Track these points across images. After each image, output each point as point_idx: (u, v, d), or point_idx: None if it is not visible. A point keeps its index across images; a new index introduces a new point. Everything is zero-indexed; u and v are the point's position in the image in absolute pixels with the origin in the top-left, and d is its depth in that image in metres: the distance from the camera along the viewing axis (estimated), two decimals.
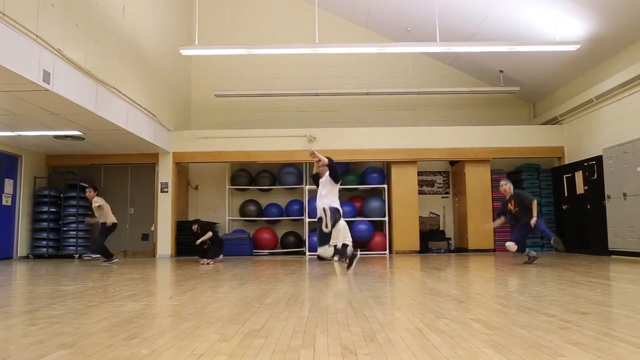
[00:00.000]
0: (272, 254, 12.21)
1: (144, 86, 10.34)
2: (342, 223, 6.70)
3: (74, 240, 11.63)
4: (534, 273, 6.26)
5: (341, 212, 6.86)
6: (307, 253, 11.49)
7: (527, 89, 12.58)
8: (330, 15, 13.14)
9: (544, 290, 4.49)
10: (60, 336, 2.78)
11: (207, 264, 9.01)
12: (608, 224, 9.46)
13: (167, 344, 2.56)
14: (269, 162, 12.17)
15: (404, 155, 11.88)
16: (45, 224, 11.46)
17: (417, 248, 11.66)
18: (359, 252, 6.78)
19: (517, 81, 12.31)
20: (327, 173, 6.88)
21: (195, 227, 9.91)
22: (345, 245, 6.56)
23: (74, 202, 11.62)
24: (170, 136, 11.87)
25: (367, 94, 12.73)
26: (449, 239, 12.49)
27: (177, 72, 12.52)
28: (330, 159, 6.90)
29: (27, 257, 11.34)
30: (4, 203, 10.77)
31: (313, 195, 7.73)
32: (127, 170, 12.49)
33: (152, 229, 12.15)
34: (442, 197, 13.17)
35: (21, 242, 11.21)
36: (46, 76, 6.64)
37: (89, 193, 9.65)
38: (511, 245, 7.94)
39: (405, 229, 11.66)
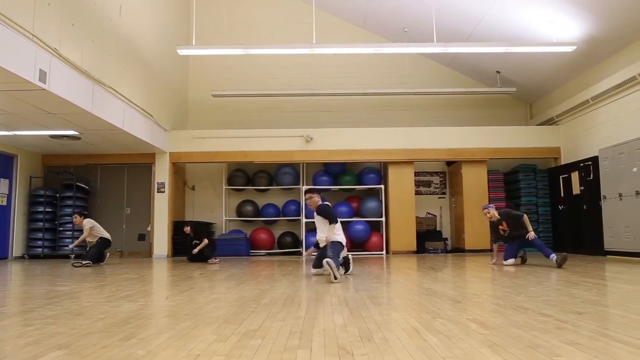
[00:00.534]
0: (269, 254, 12.20)
1: (141, 86, 10.32)
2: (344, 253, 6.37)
3: (70, 240, 11.58)
4: (530, 273, 6.27)
5: (344, 243, 6.42)
6: (304, 253, 11.48)
7: (524, 90, 12.61)
8: (327, 16, 13.14)
9: (540, 290, 4.50)
10: (55, 337, 2.77)
11: (215, 263, 9.14)
12: (604, 224, 9.50)
13: (163, 345, 2.55)
14: (266, 162, 12.17)
15: (401, 155, 11.89)
16: (40, 224, 11.43)
17: (414, 248, 11.67)
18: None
19: (513, 82, 12.34)
20: (318, 210, 6.47)
21: (187, 228, 9.88)
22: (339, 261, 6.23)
23: (69, 202, 11.59)
24: (167, 136, 11.85)
25: (364, 94, 12.73)
26: (446, 239, 12.50)
27: (174, 72, 12.51)
28: (323, 205, 6.50)
29: (22, 257, 11.30)
30: None
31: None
32: (123, 170, 12.46)
33: (149, 229, 12.12)
34: (439, 198, 13.19)
35: (16, 242, 11.17)
36: (42, 75, 6.62)
37: (76, 219, 9.41)
38: (511, 262, 7.68)
39: (402, 229, 11.67)
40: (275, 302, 3.97)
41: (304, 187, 11.99)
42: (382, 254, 11.60)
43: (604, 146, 9.67)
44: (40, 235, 11.43)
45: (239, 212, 12.56)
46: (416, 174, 12.50)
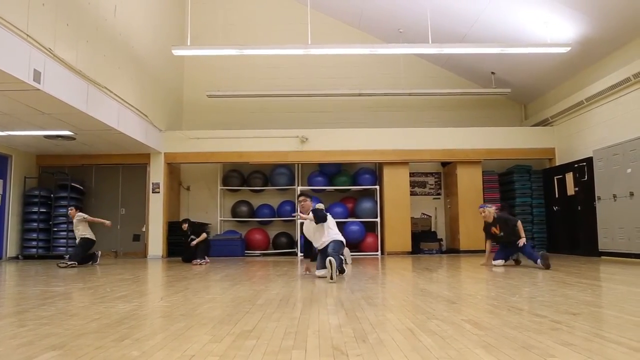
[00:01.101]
0: (263, 254, 12.19)
1: (136, 86, 10.30)
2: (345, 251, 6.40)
3: (64, 241, 11.54)
4: (524, 274, 6.29)
5: (344, 243, 6.49)
6: (299, 254, 11.47)
7: (519, 91, 12.65)
8: (322, 17, 13.15)
9: (535, 291, 4.51)
10: (50, 337, 2.76)
11: (201, 264, 9.02)
12: (598, 225, 9.54)
13: (158, 345, 2.55)
14: (261, 162, 12.16)
15: (395, 156, 11.91)
16: (35, 224, 11.38)
17: (409, 249, 11.68)
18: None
19: (508, 83, 12.38)
20: (313, 219, 6.43)
21: (185, 226, 9.91)
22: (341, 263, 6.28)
23: (64, 203, 11.54)
24: (161, 136, 11.83)
25: (359, 95, 12.74)
26: (441, 240, 12.52)
27: (169, 72, 12.48)
28: (314, 211, 6.47)
29: (16, 257, 11.25)
30: None
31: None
32: (118, 171, 12.42)
33: (144, 229, 12.09)
34: (434, 198, 13.21)
35: (10, 243, 11.12)
36: (37, 76, 6.60)
37: (71, 211, 9.49)
38: (500, 262, 7.77)
39: (397, 230, 11.69)
40: (270, 303, 3.97)
41: (299, 188, 12.00)
42: (377, 255, 11.61)
43: (599, 147, 9.71)
44: (34, 235, 11.38)
45: (234, 212, 12.55)
46: (411, 174, 12.52)
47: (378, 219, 11.91)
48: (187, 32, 10.19)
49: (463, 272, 6.74)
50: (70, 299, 4.39)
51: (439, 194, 13.23)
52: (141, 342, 2.62)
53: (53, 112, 7.92)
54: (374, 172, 12.50)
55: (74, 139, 10.02)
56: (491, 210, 8.03)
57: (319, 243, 6.43)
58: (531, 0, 8.90)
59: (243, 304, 3.96)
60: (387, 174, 11.94)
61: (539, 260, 7.12)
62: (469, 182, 11.85)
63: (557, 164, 11.64)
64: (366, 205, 11.93)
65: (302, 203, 6.63)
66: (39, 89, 6.70)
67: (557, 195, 11.28)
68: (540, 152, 11.97)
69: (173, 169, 12.54)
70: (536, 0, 8.82)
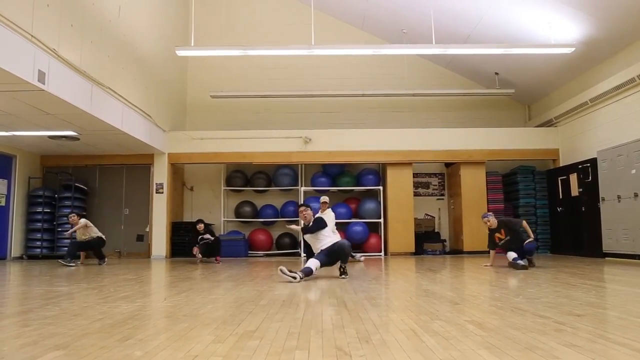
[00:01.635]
0: (267, 255, 12.20)
1: (140, 87, 10.32)
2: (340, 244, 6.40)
3: (68, 241, 11.55)
4: (528, 275, 6.27)
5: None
6: (302, 254, 11.47)
7: (523, 91, 12.62)
8: (326, 17, 13.15)
9: (539, 292, 4.50)
10: (54, 337, 2.77)
11: (218, 262, 9.49)
12: (602, 226, 9.51)
13: (161, 345, 2.55)
14: (264, 163, 12.17)
15: (399, 157, 11.90)
16: (39, 224, 11.41)
17: (412, 250, 11.67)
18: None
19: (512, 83, 12.35)
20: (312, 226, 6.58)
21: (201, 226, 9.94)
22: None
23: (68, 203, 11.57)
24: (165, 137, 11.85)
25: (362, 95, 12.74)
26: (444, 240, 12.49)
27: (172, 73, 12.50)
28: (314, 220, 6.62)
29: (20, 257, 11.29)
30: None
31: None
32: (122, 171, 12.45)
33: (147, 229, 12.12)
34: (438, 199, 13.19)
35: (15, 243, 11.16)
36: (41, 76, 6.62)
37: (72, 218, 9.61)
38: (512, 254, 7.59)
39: (400, 231, 11.67)
40: (273, 303, 3.97)
41: (303, 189, 11.99)
42: (380, 255, 11.60)
43: (603, 148, 9.68)
44: (38, 235, 11.41)
45: (238, 213, 12.56)
46: (415, 175, 12.50)
47: (381, 220, 11.90)
48: (191, 33, 10.19)
49: (466, 273, 6.73)
50: (74, 299, 4.40)
51: (442, 195, 13.21)
52: (144, 342, 2.63)
53: (57, 112, 7.95)
54: (378, 172, 12.49)
55: (78, 139, 10.04)
56: (494, 218, 8.02)
57: (320, 247, 6.41)
58: (535, 1, 8.88)
59: (246, 304, 3.96)
60: (391, 174, 11.92)
61: (519, 261, 7.27)
62: (473, 182, 11.83)
63: (561, 165, 11.60)
64: (369, 205, 11.92)
65: (304, 213, 6.65)
66: (43, 90, 6.73)
67: (561, 196, 11.25)
68: (544, 153, 11.94)
69: (177, 170, 12.56)
70: (540, 1, 8.80)
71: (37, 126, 8.87)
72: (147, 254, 11.94)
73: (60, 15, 7.19)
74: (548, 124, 12.08)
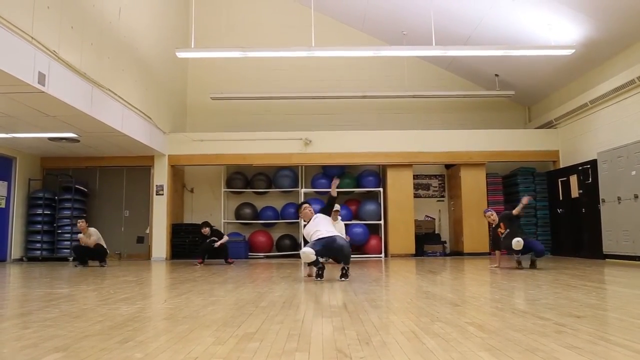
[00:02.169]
0: (267, 257, 12.19)
1: (140, 88, 10.32)
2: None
3: (69, 243, 11.56)
4: (528, 277, 6.27)
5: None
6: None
7: (523, 93, 12.63)
8: (326, 19, 13.15)
9: (539, 294, 4.50)
10: (54, 339, 2.76)
11: (231, 263, 9.71)
12: (602, 227, 9.50)
13: (161, 347, 2.55)
14: (264, 165, 12.17)
15: (399, 158, 11.90)
16: (39, 226, 11.41)
17: (413, 251, 11.66)
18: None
19: (512, 85, 12.36)
20: (317, 212, 6.61)
21: (206, 230, 9.93)
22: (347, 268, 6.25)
23: (68, 205, 11.57)
24: (165, 139, 11.85)
25: (363, 97, 12.74)
26: (445, 242, 12.49)
27: (173, 74, 12.51)
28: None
29: (20, 259, 11.28)
30: None
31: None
32: (122, 173, 12.45)
33: (147, 231, 12.11)
34: (438, 201, 13.19)
35: (15, 245, 11.15)
36: (41, 78, 6.62)
37: (81, 224, 9.63)
38: (516, 242, 7.37)
39: (400, 232, 11.67)
40: (273, 305, 3.97)
41: (303, 190, 11.99)
42: (380, 257, 11.59)
43: (603, 149, 9.68)
44: (38, 237, 11.40)
45: (238, 214, 12.56)
46: (415, 177, 12.50)
47: (382, 221, 11.89)
48: (191, 34, 10.20)
49: (467, 275, 6.73)
50: (74, 301, 4.40)
51: (442, 197, 13.21)
52: (145, 344, 2.62)
53: (57, 114, 7.95)
54: (378, 174, 12.49)
55: (78, 141, 10.05)
56: (495, 213, 8.09)
57: (321, 234, 6.27)
58: (535, 2, 8.89)
59: (246, 306, 3.96)
60: (391, 176, 11.93)
61: (531, 256, 7.46)
62: (473, 184, 11.83)
63: (561, 167, 11.60)
64: (370, 207, 11.92)
65: (305, 210, 6.65)
66: (43, 92, 6.73)
67: (561, 198, 11.24)
68: (544, 155, 11.94)
69: (177, 171, 12.56)
70: (540, 2, 8.80)
71: (37, 128, 8.88)
72: (147, 255, 11.94)
73: (60, 17, 7.20)
74: (548, 125, 12.09)
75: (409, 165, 11.97)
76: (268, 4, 13.67)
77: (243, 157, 11.94)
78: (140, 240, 12.26)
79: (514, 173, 12.21)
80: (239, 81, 13.29)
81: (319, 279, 6.06)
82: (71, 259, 11.37)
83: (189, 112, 13.61)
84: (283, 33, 13.15)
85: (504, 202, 11.98)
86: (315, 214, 6.63)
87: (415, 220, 12.05)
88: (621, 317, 3.29)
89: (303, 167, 12.56)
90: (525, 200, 7.68)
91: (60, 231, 11.62)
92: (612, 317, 3.32)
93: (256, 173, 12.69)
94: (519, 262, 7.74)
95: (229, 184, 12.67)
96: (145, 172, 12.18)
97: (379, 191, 12.16)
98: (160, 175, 11.90)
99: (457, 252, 12.13)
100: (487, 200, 11.75)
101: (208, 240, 9.87)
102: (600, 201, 9.58)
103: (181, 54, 9.13)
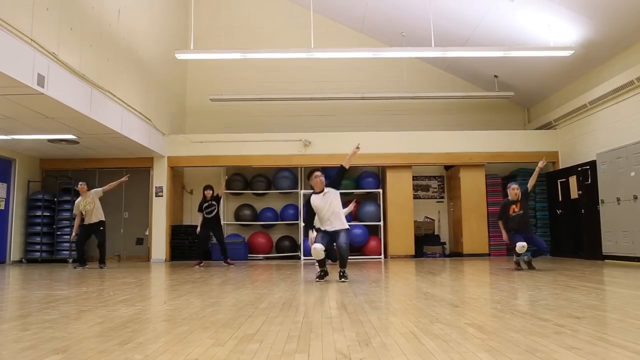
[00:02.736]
0: (267, 258, 12.19)
1: (139, 90, 10.32)
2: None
3: (68, 244, 11.56)
4: (528, 278, 6.27)
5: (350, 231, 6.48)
6: (302, 258, 11.47)
7: (522, 94, 12.64)
8: (325, 20, 13.15)
9: (538, 295, 4.50)
10: (53, 341, 2.76)
11: (231, 264, 9.67)
12: (602, 228, 9.50)
13: (161, 349, 2.55)
14: (264, 166, 12.17)
15: (399, 159, 11.91)
16: (38, 228, 11.40)
17: (412, 252, 11.66)
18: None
19: (511, 86, 12.37)
20: (326, 186, 6.45)
21: (209, 192, 9.92)
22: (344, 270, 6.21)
23: (68, 207, 11.57)
24: (165, 140, 11.85)
25: (362, 98, 12.75)
26: (444, 243, 12.49)
27: (172, 76, 12.51)
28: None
29: (20, 261, 11.28)
30: None
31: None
32: (121, 174, 12.38)
33: (147, 233, 12.11)
34: (437, 202, 13.19)
35: (14, 247, 11.15)
36: (40, 80, 6.62)
37: (82, 186, 9.57)
38: (522, 245, 7.37)
39: (400, 234, 11.67)
40: (273, 306, 3.97)
41: (302, 192, 11.99)
42: (380, 258, 11.59)
43: (602, 150, 9.69)
44: (38, 239, 11.40)
45: (237, 216, 12.55)
46: (414, 178, 12.50)
47: (381, 223, 11.89)
48: (191, 36, 10.21)
49: (466, 276, 6.73)
50: (73, 302, 4.39)
51: (442, 198, 13.21)
52: (144, 346, 2.62)
53: (57, 116, 7.95)
54: (377, 175, 12.49)
55: (78, 143, 10.05)
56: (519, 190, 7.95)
57: (328, 225, 6.23)
58: (534, 4, 8.90)
59: (246, 307, 3.95)
60: (391, 177, 11.93)
61: (531, 255, 7.48)
62: (472, 185, 11.83)
63: (560, 168, 11.61)
64: (369, 208, 11.91)
65: (317, 179, 6.47)
66: (42, 93, 6.73)
67: (560, 199, 11.25)
68: (544, 156, 11.92)
69: (176, 173, 12.55)
70: (539, 4, 8.81)
71: (37, 130, 8.87)
72: (146, 257, 11.93)
73: (59, 18, 7.20)
74: (547, 126, 12.09)
75: (408, 167, 11.97)
76: (267, 6, 13.67)
77: (242, 159, 11.94)
78: (140, 241, 12.25)
79: (514, 174, 12.21)
80: (239, 82, 13.29)
81: (318, 280, 6.08)
82: (70, 260, 11.37)
83: (188, 114, 13.61)
84: (282, 34, 13.16)
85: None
86: (325, 187, 6.43)
87: (415, 222, 12.05)
88: (620, 317, 3.30)
89: (302, 168, 12.55)
90: (541, 164, 7.70)
91: (59, 233, 11.61)
92: (611, 318, 3.32)
93: (255, 174, 12.69)
94: (518, 263, 7.74)
95: (228, 185, 12.66)
96: (145, 174, 12.18)
97: (379, 192, 12.16)
98: (160, 177, 11.90)
99: (456, 253, 12.13)
100: (487, 201, 11.75)
101: (205, 205, 9.82)
102: (600, 202, 9.58)
103: (180, 56, 9.14)
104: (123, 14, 9.48)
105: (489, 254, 11.66)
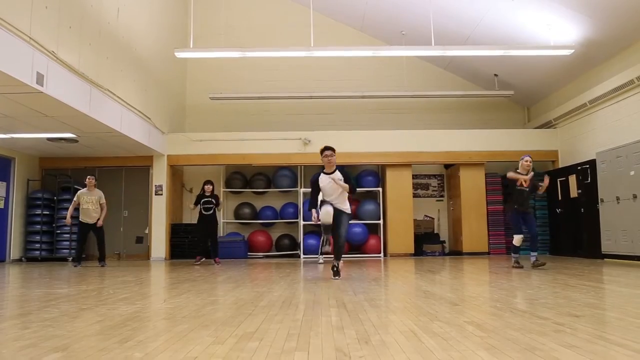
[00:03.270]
0: (266, 256, 12.19)
1: (139, 88, 10.32)
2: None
3: (67, 243, 11.56)
4: (527, 276, 6.27)
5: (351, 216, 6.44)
6: (302, 256, 11.47)
7: (522, 93, 12.64)
8: (325, 19, 13.15)
9: (538, 293, 4.50)
10: (53, 339, 2.76)
11: (217, 263, 9.53)
12: (601, 227, 9.51)
13: (161, 347, 2.55)
14: (264, 165, 12.17)
15: (398, 158, 11.91)
16: (38, 226, 11.40)
17: (412, 251, 11.67)
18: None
19: (511, 85, 12.37)
20: (339, 175, 6.34)
21: (209, 187, 9.86)
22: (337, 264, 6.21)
23: (67, 205, 11.54)
24: (164, 139, 11.85)
25: (362, 97, 12.75)
26: (444, 242, 12.50)
27: (171, 74, 12.51)
28: (343, 169, 6.49)
29: (20, 260, 11.28)
30: None
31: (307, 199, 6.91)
32: (121, 173, 12.44)
33: (146, 231, 12.11)
34: (437, 200, 13.19)
35: (14, 245, 11.15)
36: (40, 78, 6.62)
37: (90, 180, 9.57)
38: (519, 237, 7.57)
39: (399, 232, 11.67)
40: (272, 305, 3.97)
41: (302, 190, 11.99)
42: (379, 257, 11.59)
43: (602, 149, 9.69)
44: (37, 238, 11.40)
45: (237, 214, 12.56)
46: (414, 176, 12.51)
47: (381, 221, 11.89)
48: (190, 35, 10.20)
49: (466, 274, 6.73)
50: (73, 301, 4.39)
51: (442, 196, 13.21)
52: (144, 344, 2.62)
53: (56, 114, 7.94)
54: (377, 174, 12.49)
55: (77, 141, 10.04)
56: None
57: (334, 201, 6.22)
58: (534, 3, 8.90)
59: (246, 305, 3.96)
60: (390, 176, 11.93)
61: (533, 255, 7.40)
62: (472, 184, 11.84)
63: (560, 166, 11.61)
64: (369, 207, 11.92)
65: (330, 158, 6.27)
66: (41, 92, 6.72)
67: (560, 198, 11.25)
68: (544, 155, 11.94)
69: (176, 171, 12.55)
70: (539, 3, 8.81)
71: (36, 128, 8.87)
72: (146, 255, 11.94)
73: (58, 17, 7.19)
74: (547, 125, 12.10)
75: (408, 165, 11.98)
76: (267, 4, 13.66)
77: (242, 157, 11.94)
78: (140, 240, 12.26)
79: None
80: (238, 81, 13.29)
81: (336, 277, 6.08)
82: (70, 259, 11.37)
83: (187, 112, 13.61)
84: (282, 33, 13.15)
85: (503, 202, 11.97)
86: (338, 171, 6.34)
87: (415, 220, 12.06)
88: (620, 316, 3.30)
89: (302, 166, 12.55)
90: (546, 180, 7.73)
91: (59, 231, 11.61)
92: (610, 316, 3.33)
93: (255, 173, 12.69)
94: (517, 262, 7.75)
95: (228, 183, 12.67)
96: (144, 172, 12.18)
97: (378, 191, 12.16)
98: (159, 176, 11.90)
99: (456, 252, 12.14)
100: (486, 199, 11.76)
101: (203, 200, 9.79)
102: (599, 201, 9.59)
103: (180, 54, 9.13)
104: (122, 13, 9.47)
105: (488, 253, 11.67)
